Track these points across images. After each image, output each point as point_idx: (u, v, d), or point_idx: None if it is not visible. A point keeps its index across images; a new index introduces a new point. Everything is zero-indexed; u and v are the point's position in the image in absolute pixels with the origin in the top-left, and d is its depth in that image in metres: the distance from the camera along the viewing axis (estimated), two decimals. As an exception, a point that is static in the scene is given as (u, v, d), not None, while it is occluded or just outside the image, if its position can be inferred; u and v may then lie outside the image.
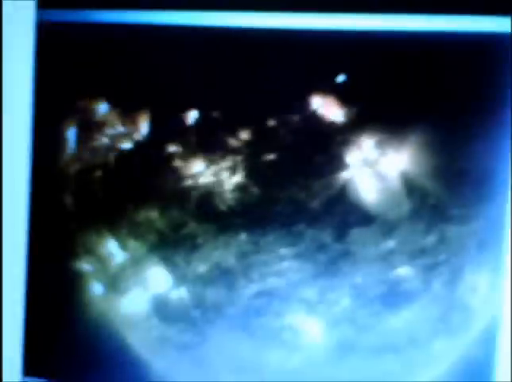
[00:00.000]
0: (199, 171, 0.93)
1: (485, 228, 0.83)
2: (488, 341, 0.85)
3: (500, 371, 0.85)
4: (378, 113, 0.85)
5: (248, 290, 0.93)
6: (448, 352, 0.87)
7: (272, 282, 0.92)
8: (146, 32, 0.93)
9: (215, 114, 0.91)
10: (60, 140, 0.99)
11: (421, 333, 0.88)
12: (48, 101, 0.99)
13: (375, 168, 0.86)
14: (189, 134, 0.93)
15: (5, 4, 0.86)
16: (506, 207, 0.82)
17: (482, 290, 0.85)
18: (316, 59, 0.87)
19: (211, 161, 0.92)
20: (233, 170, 0.91)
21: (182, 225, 0.95)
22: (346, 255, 0.88)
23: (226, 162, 0.91)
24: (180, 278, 0.96)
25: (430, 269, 0.86)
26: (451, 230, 0.85)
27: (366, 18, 0.85)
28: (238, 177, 0.91)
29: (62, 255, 1.01)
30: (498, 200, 0.82)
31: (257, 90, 0.89)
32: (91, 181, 0.99)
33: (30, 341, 1.01)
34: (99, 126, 0.97)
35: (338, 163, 0.87)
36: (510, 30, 0.80)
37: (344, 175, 0.87)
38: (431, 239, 0.85)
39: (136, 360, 1.00)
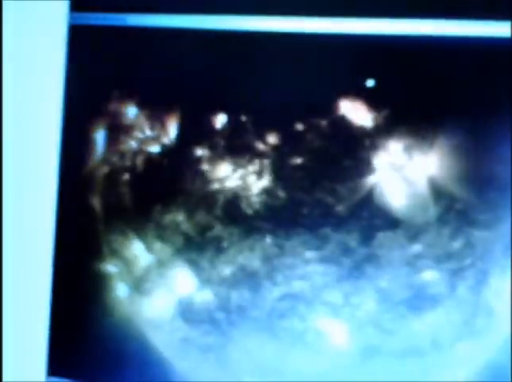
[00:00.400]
0: (226, 175, 0.92)
1: (511, 233, 0.82)
2: (513, 345, 0.83)
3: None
4: (406, 117, 0.85)
5: (272, 293, 0.93)
6: (471, 356, 0.86)
7: (296, 285, 0.91)
8: (175, 35, 0.93)
9: (243, 117, 0.90)
10: (88, 143, 0.99)
11: (445, 336, 0.87)
12: (78, 104, 0.98)
13: (402, 172, 0.85)
14: (217, 138, 0.92)
15: (38, 5, 0.86)
16: (533, 212, 0.81)
17: (507, 294, 0.83)
18: (345, 63, 0.86)
19: (238, 165, 0.92)
20: (260, 174, 0.91)
21: (208, 228, 0.94)
22: (371, 258, 0.88)
23: (253, 166, 0.91)
24: (205, 281, 0.95)
25: (455, 273, 0.85)
26: (478, 234, 0.84)
27: (394, 23, 0.84)
28: (264, 181, 0.91)
29: (88, 257, 1.01)
30: (526, 205, 0.81)
31: (285, 94, 0.89)
32: (118, 184, 0.98)
33: (55, 342, 1.00)
34: (128, 129, 0.96)
35: (365, 167, 0.87)
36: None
37: (371, 179, 0.87)
38: (457, 244, 0.85)
39: (160, 362, 0.99)
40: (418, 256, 0.86)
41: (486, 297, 0.85)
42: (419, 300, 0.87)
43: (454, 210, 0.84)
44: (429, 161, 0.85)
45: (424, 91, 0.84)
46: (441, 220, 0.85)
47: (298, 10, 0.88)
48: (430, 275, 0.86)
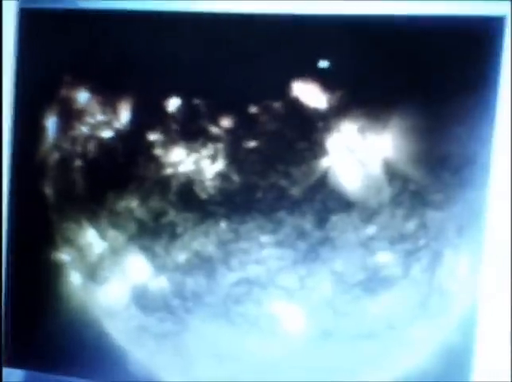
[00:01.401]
0: (180, 159, 0.87)
1: (465, 213, 0.79)
2: (467, 326, 0.81)
3: (479, 356, 0.81)
4: (359, 99, 0.81)
5: (228, 278, 0.89)
6: (427, 338, 0.83)
7: (252, 269, 0.88)
8: (124, 19, 0.88)
9: (196, 101, 0.86)
10: (39, 129, 0.93)
11: (401, 318, 0.84)
12: (29, 89, 0.93)
13: (356, 154, 0.82)
14: (170, 122, 0.87)
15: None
16: (486, 192, 0.78)
17: (462, 275, 0.80)
18: (298, 44, 0.83)
19: (191, 149, 0.87)
20: (214, 158, 0.86)
21: (162, 214, 0.90)
22: (326, 241, 0.84)
23: (207, 150, 0.87)
24: (160, 268, 0.91)
25: (410, 254, 0.82)
26: (431, 215, 0.81)
27: (347, 3, 0.80)
28: (218, 165, 0.86)
29: (41, 245, 0.96)
30: (478, 185, 0.78)
31: (238, 76, 0.85)
32: (70, 170, 0.93)
33: (9, 332, 0.94)
34: (79, 114, 0.91)
35: (319, 150, 0.83)
36: (492, 15, 0.76)
37: (325, 162, 0.83)
38: (411, 225, 0.82)
39: (116, 350, 0.94)
40: (372, 238, 0.83)
41: (440, 277, 0.82)
42: (374, 282, 0.84)
43: (407, 191, 0.81)
44: (383, 142, 0.81)
45: (378, 72, 0.81)
46: (395, 201, 0.82)
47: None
48: (384, 257, 0.83)
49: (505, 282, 0.81)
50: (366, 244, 0.84)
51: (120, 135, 0.91)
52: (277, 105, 0.84)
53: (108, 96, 0.91)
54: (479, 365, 0.83)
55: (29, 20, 0.93)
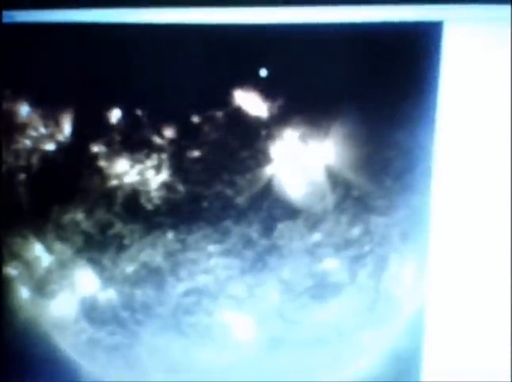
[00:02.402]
0: (124, 170, 0.83)
1: (408, 218, 0.77)
2: (415, 330, 0.79)
3: (427, 360, 0.79)
4: (300, 106, 0.78)
5: (177, 288, 0.86)
6: (375, 343, 0.80)
7: (200, 279, 0.84)
8: (63, 31, 0.83)
9: (138, 112, 0.81)
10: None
11: (349, 325, 0.82)
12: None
13: (299, 161, 0.78)
14: (112, 134, 0.83)
15: None
16: (429, 196, 0.75)
17: (407, 280, 0.78)
18: (238, 54, 0.79)
19: (135, 160, 0.83)
20: (158, 169, 0.82)
21: (108, 226, 0.86)
22: (273, 249, 0.82)
23: (151, 161, 0.83)
24: (108, 280, 0.87)
25: (355, 260, 0.79)
26: (375, 221, 0.78)
27: (285, 11, 0.76)
28: (163, 176, 0.83)
29: (-13, 261, 0.90)
30: (422, 190, 0.76)
31: (179, 86, 0.81)
32: (14, 184, 0.87)
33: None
34: (21, 128, 0.86)
35: (262, 158, 0.80)
36: (429, 20, 0.73)
37: (269, 169, 0.80)
38: (355, 231, 0.79)
39: (66, 364, 0.91)
40: (318, 245, 0.80)
41: (386, 283, 0.79)
42: (321, 289, 0.82)
43: (351, 197, 0.79)
44: (325, 149, 0.78)
45: (318, 79, 0.78)
46: (339, 207, 0.79)
47: (190, 1, 0.79)
48: (331, 264, 0.80)
49: (450, 286, 0.79)
50: (313, 251, 0.81)
51: (63, 148, 0.87)
52: (219, 114, 0.81)
53: (49, 109, 0.86)
54: (427, 368, 0.80)
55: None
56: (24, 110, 0.87)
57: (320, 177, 0.80)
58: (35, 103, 0.87)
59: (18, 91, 0.87)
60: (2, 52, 0.85)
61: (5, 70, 0.86)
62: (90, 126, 0.86)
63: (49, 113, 0.87)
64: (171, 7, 0.80)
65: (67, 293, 0.90)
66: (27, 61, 0.86)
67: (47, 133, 0.87)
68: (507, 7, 0.74)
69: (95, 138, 0.85)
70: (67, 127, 0.86)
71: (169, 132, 0.83)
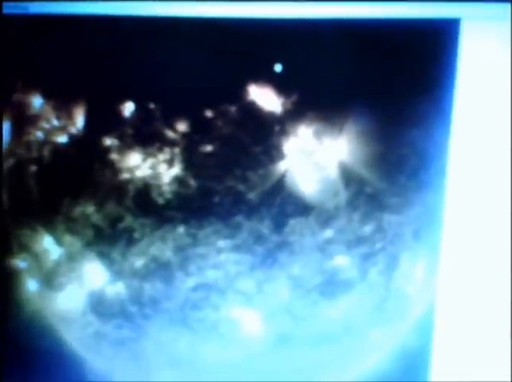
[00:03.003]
0: (136, 164, 0.82)
1: (421, 216, 0.75)
2: (424, 328, 0.77)
3: (436, 358, 0.77)
4: (315, 102, 0.76)
5: (186, 283, 0.85)
6: (384, 341, 0.79)
7: (210, 275, 0.83)
8: (76, 24, 0.82)
9: (152, 105, 0.80)
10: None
11: (358, 322, 0.80)
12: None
13: (312, 158, 0.77)
14: (125, 127, 0.81)
15: None
16: (443, 195, 0.74)
17: (418, 278, 0.76)
18: (252, 48, 0.78)
19: (148, 154, 0.81)
20: (170, 163, 0.81)
21: (119, 219, 0.84)
22: (283, 246, 0.80)
23: (164, 155, 0.81)
24: (117, 274, 0.85)
25: (367, 258, 0.78)
26: (388, 219, 0.77)
27: (302, 6, 0.75)
28: (175, 170, 0.81)
29: (-4, 252, 0.88)
30: (435, 188, 0.75)
31: (193, 81, 0.79)
32: (25, 176, 0.86)
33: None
34: (34, 119, 0.84)
35: (276, 153, 0.79)
36: (446, 17, 0.72)
37: (282, 165, 0.78)
38: (368, 229, 0.77)
39: (73, 357, 0.89)
40: (330, 242, 0.79)
41: (397, 280, 0.78)
42: (331, 286, 0.80)
43: (364, 195, 0.77)
44: (339, 146, 0.77)
45: (333, 75, 0.77)
46: (352, 204, 0.77)
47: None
48: (342, 261, 0.79)
49: (461, 285, 0.77)
50: (324, 248, 0.79)
51: (75, 140, 0.85)
52: (233, 109, 0.79)
53: (62, 101, 0.84)
54: (436, 367, 0.79)
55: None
56: (37, 101, 0.85)
57: (333, 173, 0.79)
58: (48, 95, 0.85)
59: (31, 83, 0.85)
60: (18, 41, 0.83)
61: (19, 60, 0.84)
62: (102, 119, 0.84)
63: (62, 105, 0.85)
64: (186, 0, 0.78)
65: (75, 286, 0.89)
66: (41, 52, 0.84)
67: (59, 125, 0.85)
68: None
69: (107, 131, 0.84)
70: (79, 120, 0.84)
71: (182, 126, 0.82)
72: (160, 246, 0.84)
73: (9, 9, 0.84)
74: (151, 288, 0.85)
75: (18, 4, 0.83)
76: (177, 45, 0.80)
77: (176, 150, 0.82)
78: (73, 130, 0.85)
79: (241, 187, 0.81)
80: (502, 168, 0.76)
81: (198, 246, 0.83)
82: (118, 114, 0.83)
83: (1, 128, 0.86)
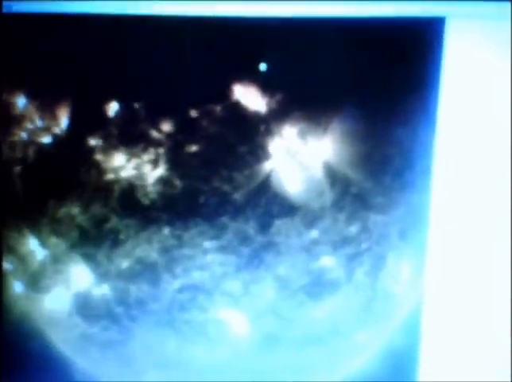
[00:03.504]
0: (121, 165, 0.80)
1: (407, 216, 0.74)
2: (412, 328, 0.76)
3: (423, 357, 0.76)
4: (300, 101, 0.75)
5: (172, 285, 0.83)
6: (372, 341, 0.78)
7: (196, 276, 0.81)
8: (62, 22, 0.80)
9: (136, 105, 0.79)
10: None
11: (345, 323, 0.79)
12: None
13: (297, 157, 0.76)
14: (110, 127, 0.80)
15: None
16: (428, 194, 0.73)
17: (405, 277, 0.75)
18: (237, 47, 0.76)
19: (132, 154, 0.80)
20: (155, 163, 0.79)
21: (104, 220, 0.83)
22: (269, 246, 0.79)
23: (149, 155, 0.80)
24: (103, 275, 0.84)
25: (353, 258, 0.77)
26: (374, 219, 0.75)
27: (286, 5, 0.74)
28: (160, 170, 0.80)
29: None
30: (420, 188, 0.73)
31: (178, 80, 0.78)
32: (10, 177, 0.84)
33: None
34: (18, 120, 0.83)
35: (261, 153, 0.78)
36: (431, 16, 0.71)
37: (267, 165, 0.77)
38: (353, 229, 0.76)
39: (59, 359, 0.88)
40: (316, 242, 0.77)
41: (383, 281, 0.77)
42: (318, 286, 0.79)
43: (349, 195, 0.76)
44: (324, 145, 0.76)
45: (318, 75, 0.75)
46: (337, 205, 0.76)
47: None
48: (328, 261, 0.77)
49: (448, 284, 0.76)
50: (310, 249, 0.78)
51: (60, 141, 0.83)
52: (217, 109, 0.78)
53: (46, 102, 0.83)
54: (424, 367, 0.78)
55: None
56: (20, 102, 0.84)
57: (318, 173, 0.78)
58: (32, 95, 0.83)
59: (15, 83, 0.84)
60: (1, 41, 0.82)
61: (3, 61, 0.83)
62: (87, 120, 0.83)
63: (46, 105, 0.83)
64: (172, 0, 0.77)
65: (61, 288, 0.88)
66: (24, 52, 0.83)
67: (43, 125, 0.84)
68: (507, 4, 0.72)
69: (91, 132, 0.83)
70: (63, 120, 0.83)
71: (167, 126, 0.81)
72: (146, 247, 0.83)
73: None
74: (137, 290, 0.84)
75: (4, 3, 0.81)
76: (161, 45, 0.79)
77: (161, 150, 0.81)
78: (57, 130, 0.84)
79: (226, 187, 0.80)
80: (487, 167, 0.75)
81: (184, 247, 0.82)
82: (102, 115, 0.82)
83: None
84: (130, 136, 0.82)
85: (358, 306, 0.80)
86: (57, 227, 0.86)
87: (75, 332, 0.88)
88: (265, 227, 0.80)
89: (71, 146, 0.84)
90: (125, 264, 0.85)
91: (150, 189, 0.82)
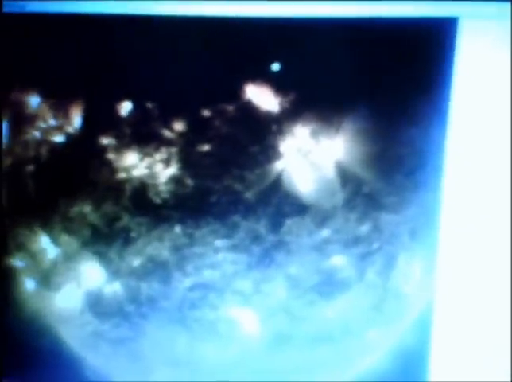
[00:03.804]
0: (133, 164, 0.81)
1: (418, 216, 0.74)
2: (423, 328, 0.76)
3: (434, 357, 0.76)
4: (312, 101, 0.75)
5: (183, 283, 0.84)
6: (382, 341, 0.78)
7: (207, 274, 0.81)
8: (73, 23, 0.81)
9: (149, 105, 0.79)
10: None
11: (356, 322, 0.79)
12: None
13: (309, 157, 0.76)
14: (122, 126, 0.80)
15: None
16: (440, 194, 0.73)
17: (416, 277, 0.75)
18: (250, 47, 0.77)
19: (144, 154, 0.80)
20: (167, 162, 0.80)
21: (116, 219, 0.83)
22: (280, 245, 0.79)
23: (161, 154, 0.80)
24: (114, 273, 0.84)
25: (364, 258, 0.77)
26: (385, 218, 0.75)
27: (298, 5, 0.74)
28: (172, 169, 0.80)
29: (-6, 252, 0.87)
30: (432, 188, 0.73)
31: (190, 80, 0.78)
32: (23, 175, 0.85)
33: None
34: (31, 119, 0.83)
35: (273, 153, 0.78)
36: (444, 16, 0.71)
37: (279, 165, 0.77)
38: (364, 228, 0.76)
39: (70, 356, 0.88)
40: (327, 242, 0.77)
41: (394, 280, 0.77)
42: (329, 286, 0.79)
43: (361, 194, 0.76)
44: (336, 145, 0.76)
45: (331, 74, 0.76)
46: (349, 204, 0.76)
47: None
48: (339, 260, 0.77)
49: (459, 284, 0.76)
50: (321, 248, 0.78)
51: (72, 140, 0.84)
52: (230, 108, 0.78)
53: (60, 101, 0.83)
54: (435, 366, 0.78)
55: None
56: (34, 101, 0.84)
57: (330, 173, 0.78)
58: (45, 94, 0.84)
59: (29, 82, 0.84)
60: (15, 40, 0.82)
61: (16, 59, 0.83)
62: (99, 119, 0.83)
63: (59, 104, 0.84)
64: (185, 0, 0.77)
65: (72, 285, 0.88)
66: (38, 52, 0.83)
67: (56, 124, 0.84)
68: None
69: (104, 131, 0.83)
70: (76, 119, 0.83)
71: (179, 126, 0.81)
72: (158, 245, 0.84)
73: (6, 7, 0.82)
74: (148, 288, 0.85)
75: (16, 2, 0.82)
76: (174, 45, 0.79)
77: (173, 150, 0.82)
78: (70, 129, 0.84)
79: (238, 187, 0.80)
80: (499, 167, 0.75)
81: (195, 245, 0.82)
82: (115, 114, 0.82)
83: (0, 127, 0.85)
84: (143, 135, 0.82)
85: (369, 306, 0.80)
86: (69, 225, 0.86)
87: (87, 329, 0.88)
88: (276, 226, 0.80)
89: (84, 145, 0.84)
90: (136, 262, 0.85)
91: (162, 187, 0.83)
